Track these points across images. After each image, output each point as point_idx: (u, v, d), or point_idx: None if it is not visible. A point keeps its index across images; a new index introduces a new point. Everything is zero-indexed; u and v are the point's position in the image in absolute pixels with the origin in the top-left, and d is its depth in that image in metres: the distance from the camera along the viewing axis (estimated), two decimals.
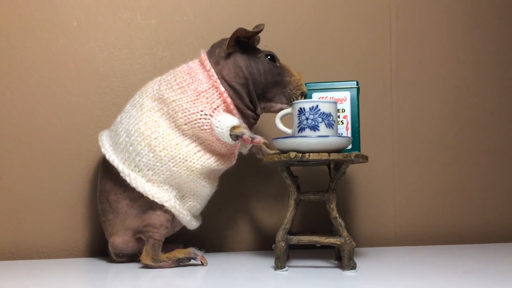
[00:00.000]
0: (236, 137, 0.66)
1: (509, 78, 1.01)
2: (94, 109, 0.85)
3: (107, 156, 0.69)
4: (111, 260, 0.75)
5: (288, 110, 0.68)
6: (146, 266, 0.68)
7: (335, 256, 0.73)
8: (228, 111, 0.68)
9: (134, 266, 0.70)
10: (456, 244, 0.94)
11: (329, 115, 0.65)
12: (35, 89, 0.84)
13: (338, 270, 0.64)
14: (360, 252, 0.81)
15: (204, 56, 0.71)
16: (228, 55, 0.70)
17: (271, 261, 0.71)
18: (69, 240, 0.83)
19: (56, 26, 0.85)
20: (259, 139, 0.66)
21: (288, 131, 0.68)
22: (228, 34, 0.90)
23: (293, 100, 0.70)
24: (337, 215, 0.64)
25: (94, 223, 0.83)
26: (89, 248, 0.83)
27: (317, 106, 0.65)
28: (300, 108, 0.65)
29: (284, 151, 0.64)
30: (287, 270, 0.65)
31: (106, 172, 0.71)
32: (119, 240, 0.70)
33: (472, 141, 0.98)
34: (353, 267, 0.63)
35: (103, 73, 0.86)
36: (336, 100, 0.71)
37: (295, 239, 0.65)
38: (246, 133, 0.66)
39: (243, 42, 0.71)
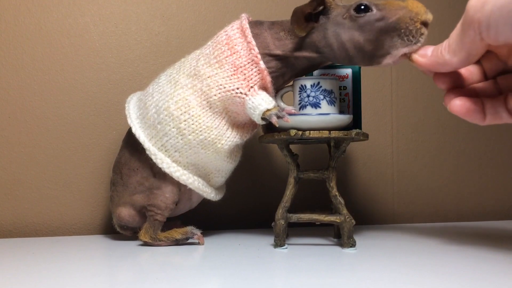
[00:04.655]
0: (265, 119, 0.63)
1: None
2: (90, 86, 0.84)
3: (133, 130, 0.67)
4: (110, 238, 0.74)
5: (289, 88, 0.67)
6: (144, 244, 0.68)
7: (333, 233, 0.73)
8: (265, 87, 0.64)
9: (133, 243, 0.70)
10: (454, 222, 0.94)
11: (331, 92, 0.64)
12: (29, 65, 0.82)
13: (337, 248, 0.64)
14: (359, 230, 0.82)
15: (245, 23, 0.63)
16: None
17: (270, 239, 0.71)
18: (67, 217, 0.82)
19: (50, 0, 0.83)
20: (286, 118, 0.61)
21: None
22: (225, 8, 0.88)
23: (417, 37, 0.55)
24: (336, 193, 0.64)
25: (91, 200, 0.83)
26: (87, 225, 0.83)
27: (318, 83, 0.63)
28: (301, 85, 0.64)
29: (284, 129, 0.64)
30: (286, 248, 0.65)
31: (127, 143, 0.71)
32: (126, 212, 0.69)
33: None
34: (352, 244, 0.63)
35: (99, 48, 0.84)
36: (338, 77, 0.69)
37: (294, 217, 0.65)
38: (274, 117, 0.61)
39: (317, 13, 0.60)
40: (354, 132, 0.62)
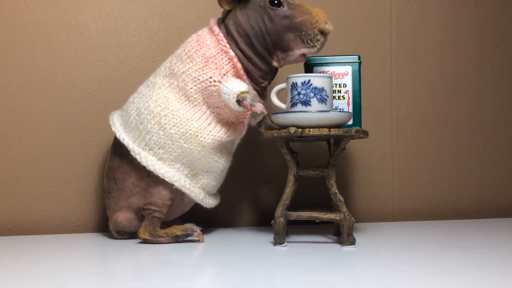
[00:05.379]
0: (239, 102, 0.64)
1: (509, 51, 1.00)
2: (89, 83, 0.83)
3: (117, 135, 0.68)
4: (109, 236, 0.74)
5: (283, 85, 0.67)
6: (144, 241, 0.68)
7: (333, 231, 0.73)
8: (238, 76, 0.66)
9: (132, 241, 0.70)
10: (454, 219, 0.94)
11: (322, 90, 0.64)
12: (28, 62, 0.82)
13: (337, 246, 0.64)
14: (359, 228, 0.82)
15: (213, 22, 0.69)
16: (227, 15, 0.68)
17: (270, 237, 0.71)
18: (66, 215, 0.82)
19: None
20: (257, 108, 0.63)
21: (283, 106, 0.67)
22: None
23: (314, 42, 0.64)
24: (336, 191, 0.64)
25: (91, 198, 0.83)
26: (86, 223, 0.83)
27: (309, 81, 0.63)
28: (293, 83, 0.64)
29: (283, 126, 0.64)
30: (286, 245, 0.65)
31: (115, 149, 0.71)
32: (123, 217, 0.69)
33: (470, 116, 0.98)
34: (352, 242, 0.63)
35: (98, 46, 0.84)
36: (338, 74, 0.69)
37: (294, 215, 0.65)
38: (248, 99, 0.64)
39: None
40: (354, 129, 0.62)
